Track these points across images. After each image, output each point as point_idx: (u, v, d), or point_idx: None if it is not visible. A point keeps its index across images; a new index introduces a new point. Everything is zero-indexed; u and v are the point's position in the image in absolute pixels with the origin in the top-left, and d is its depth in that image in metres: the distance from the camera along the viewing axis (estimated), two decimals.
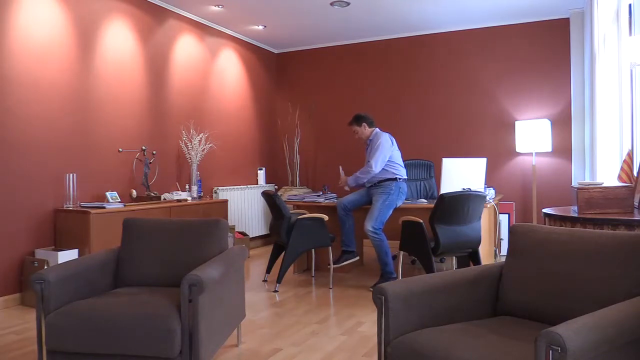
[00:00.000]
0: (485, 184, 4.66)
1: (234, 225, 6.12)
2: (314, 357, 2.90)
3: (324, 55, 7.23)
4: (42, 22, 4.19)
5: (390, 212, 4.49)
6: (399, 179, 4.56)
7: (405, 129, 6.73)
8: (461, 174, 4.68)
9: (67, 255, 3.95)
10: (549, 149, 5.83)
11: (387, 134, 4.68)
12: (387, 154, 4.55)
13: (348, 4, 5.50)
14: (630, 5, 3.83)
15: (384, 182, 4.52)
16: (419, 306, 2.02)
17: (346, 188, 4.83)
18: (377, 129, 4.72)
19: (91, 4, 4.63)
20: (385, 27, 6.41)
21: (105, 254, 2.88)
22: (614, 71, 4.18)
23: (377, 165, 4.49)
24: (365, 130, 4.70)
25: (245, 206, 6.54)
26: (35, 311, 2.46)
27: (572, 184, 5.66)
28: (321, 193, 5.13)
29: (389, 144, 4.61)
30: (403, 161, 4.77)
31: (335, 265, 4.60)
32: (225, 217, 5.70)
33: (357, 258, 4.71)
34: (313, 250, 5.00)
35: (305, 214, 4.72)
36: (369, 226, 4.38)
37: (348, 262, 4.64)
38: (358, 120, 4.73)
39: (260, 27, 6.39)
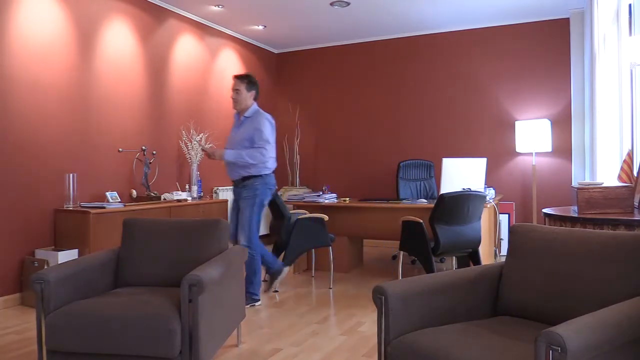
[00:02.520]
0: (485, 184, 4.66)
1: None
2: (314, 357, 2.90)
3: (324, 55, 7.23)
4: (42, 22, 4.19)
5: (263, 212, 4.04)
6: (266, 174, 4.01)
7: (405, 129, 6.74)
8: (461, 174, 4.68)
9: (67, 255, 3.95)
10: (549, 149, 5.83)
11: (270, 117, 4.06)
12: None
13: (348, 4, 5.50)
14: (630, 5, 3.83)
15: (250, 179, 3.94)
16: (419, 306, 2.02)
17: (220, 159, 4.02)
18: (258, 107, 4.09)
19: (91, 4, 4.63)
20: (385, 27, 6.41)
21: (105, 254, 2.88)
22: (614, 71, 4.18)
23: (269, 153, 3.94)
24: (248, 99, 4.01)
25: None
26: (35, 311, 2.46)
27: (572, 184, 5.67)
28: (321, 193, 5.13)
29: (274, 131, 4.03)
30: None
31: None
32: (225, 217, 5.69)
33: (259, 303, 3.99)
34: (313, 250, 5.00)
35: (305, 214, 4.72)
36: (243, 241, 3.91)
37: (251, 305, 3.92)
38: (251, 83, 4.01)
39: (260, 27, 6.39)
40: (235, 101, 4.01)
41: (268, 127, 3.97)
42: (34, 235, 4.13)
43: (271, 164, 4.04)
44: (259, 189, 3.95)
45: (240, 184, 4.00)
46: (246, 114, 4.01)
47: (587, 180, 5.23)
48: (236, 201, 4.08)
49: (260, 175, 3.96)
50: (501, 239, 5.76)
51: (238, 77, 4.03)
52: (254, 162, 3.91)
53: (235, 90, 4.00)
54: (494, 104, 6.29)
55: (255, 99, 4.07)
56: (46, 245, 4.21)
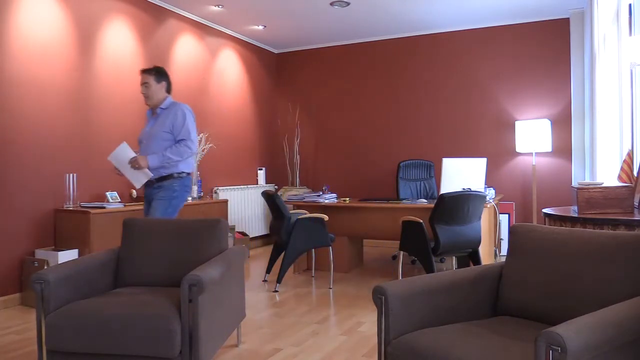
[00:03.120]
0: (485, 184, 4.66)
1: (234, 225, 6.12)
2: (314, 357, 2.90)
3: (324, 55, 7.23)
4: (42, 22, 4.19)
5: (175, 216, 3.61)
6: (185, 174, 3.64)
7: (405, 129, 6.74)
8: (461, 174, 4.68)
9: (67, 255, 3.95)
10: (549, 149, 5.83)
11: (189, 106, 3.72)
12: None
13: (348, 4, 5.50)
14: (630, 5, 3.84)
15: (168, 179, 3.56)
16: (419, 306, 2.02)
17: (143, 169, 3.52)
18: (172, 98, 3.75)
19: (91, 4, 4.63)
20: (385, 27, 6.41)
21: (105, 254, 2.88)
22: (614, 71, 4.18)
23: (196, 145, 3.63)
24: (159, 91, 3.66)
25: (245, 206, 6.54)
26: (35, 311, 2.46)
27: (572, 184, 5.67)
28: (321, 193, 5.13)
29: (194, 121, 3.68)
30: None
31: None
32: (225, 217, 5.70)
33: None
34: (313, 250, 5.01)
35: (305, 214, 4.72)
36: None
37: None
38: (160, 74, 3.67)
39: (260, 27, 6.39)
40: (147, 96, 3.66)
41: (189, 118, 3.61)
42: (34, 235, 4.13)
43: (191, 164, 3.72)
44: (177, 191, 3.58)
45: (155, 184, 3.59)
46: (162, 106, 3.67)
47: (587, 180, 5.23)
48: (148, 203, 3.65)
49: (180, 176, 3.60)
50: (501, 239, 5.75)
51: (145, 71, 3.68)
52: (181, 158, 3.56)
53: (144, 84, 3.64)
54: (494, 104, 6.29)
55: (168, 91, 3.72)
56: (46, 245, 4.21)
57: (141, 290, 2.66)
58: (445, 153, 6.14)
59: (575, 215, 2.98)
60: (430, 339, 1.83)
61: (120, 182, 4.91)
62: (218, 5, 5.53)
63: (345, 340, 3.18)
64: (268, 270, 4.84)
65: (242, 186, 6.54)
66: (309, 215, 4.61)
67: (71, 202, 4.28)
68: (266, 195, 4.68)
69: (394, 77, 6.80)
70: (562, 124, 5.93)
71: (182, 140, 3.57)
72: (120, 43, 4.94)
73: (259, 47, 7.15)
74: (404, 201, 4.92)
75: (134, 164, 3.51)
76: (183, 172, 3.62)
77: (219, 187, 6.15)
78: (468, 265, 4.26)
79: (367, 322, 3.53)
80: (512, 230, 2.32)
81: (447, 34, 6.50)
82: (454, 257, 4.53)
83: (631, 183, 3.18)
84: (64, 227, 4.23)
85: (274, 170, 7.41)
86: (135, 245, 2.90)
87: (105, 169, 4.76)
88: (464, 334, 1.87)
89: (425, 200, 4.92)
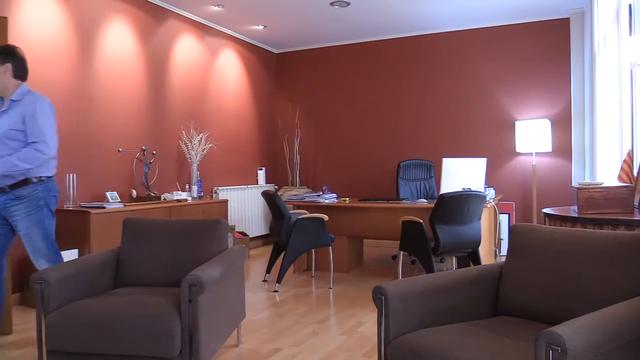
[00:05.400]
0: (485, 184, 4.67)
1: (234, 225, 6.12)
2: (314, 357, 2.90)
3: (324, 55, 7.23)
4: (42, 22, 4.19)
5: (54, 223, 3.05)
6: (46, 177, 2.95)
7: (405, 129, 6.74)
8: (461, 174, 4.68)
9: (67, 255, 3.94)
10: (549, 149, 5.83)
11: (49, 100, 2.97)
12: None
13: (348, 4, 5.50)
14: (630, 5, 3.83)
15: (25, 186, 2.87)
16: (419, 306, 2.02)
17: None
18: (28, 87, 2.96)
19: (91, 4, 4.63)
20: (385, 27, 6.41)
21: (105, 254, 2.88)
22: (614, 71, 4.18)
23: (53, 148, 2.89)
24: (3, 76, 2.87)
25: (245, 206, 6.54)
26: (35, 311, 2.46)
27: (572, 184, 5.67)
28: (321, 193, 5.13)
29: (55, 119, 2.97)
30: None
31: None
32: (225, 217, 5.70)
33: None
34: (313, 250, 5.01)
35: (305, 214, 4.72)
36: (47, 264, 2.94)
37: None
38: (3, 55, 2.89)
39: (260, 27, 6.39)
40: None
41: (47, 115, 2.90)
42: None
43: (52, 164, 3.01)
44: (42, 198, 2.92)
45: (9, 193, 2.87)
46: (13, 97, 2.88)
47: (587, 180, 5.23)
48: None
49: (40, 180, 2.92)
50: (501, 239, 5.75)
51: None
52: (31, 166, 2.84)
53: None
54: (494, 104, 6.29)
55: (18, 76, 2.93)
56: None
57: (141, 290, 2.66)
58: (445, 153, 6.14)
59: (576, 215, 2.98)
60: (430, 339, 1.84)
61: (121, 182, 4.91)
62: (218, 5, 5.53)
63: (345, 340, 3.18)
64: (268, 270, 4.84)
65: (242, 186, 6.54)
66: (309, 215, 4.61)
67: (71, 202, 4.28)
68: (266, 195, 4.68)
69: (393, 77, 6.80)
70: (562, 124, 5.93)
71: (33, 142, 2.82)
72: (120, 43, 4.94)
73: (259, 47, 7.15)
74: (404, 201, 4.92)
75: None
76: (42, 176, 2.93)
77: (219, 187, 6.15)
78: (468, 265, 4.26)
79: (367, 322, 3.53)
80: (512, 230, 2.32)
81: (447, 34, 6.50)
82: (454, 257, 4.53)
83: (631, 183, 3.18)
84: (64, 227, 4.21)
85: (274, 170, 7.41)
86: (135, 245, 2.90)
87: (106, 169, 4.77)
88: (464, 334, 1.87)
89: (425, 200, 4.92)
